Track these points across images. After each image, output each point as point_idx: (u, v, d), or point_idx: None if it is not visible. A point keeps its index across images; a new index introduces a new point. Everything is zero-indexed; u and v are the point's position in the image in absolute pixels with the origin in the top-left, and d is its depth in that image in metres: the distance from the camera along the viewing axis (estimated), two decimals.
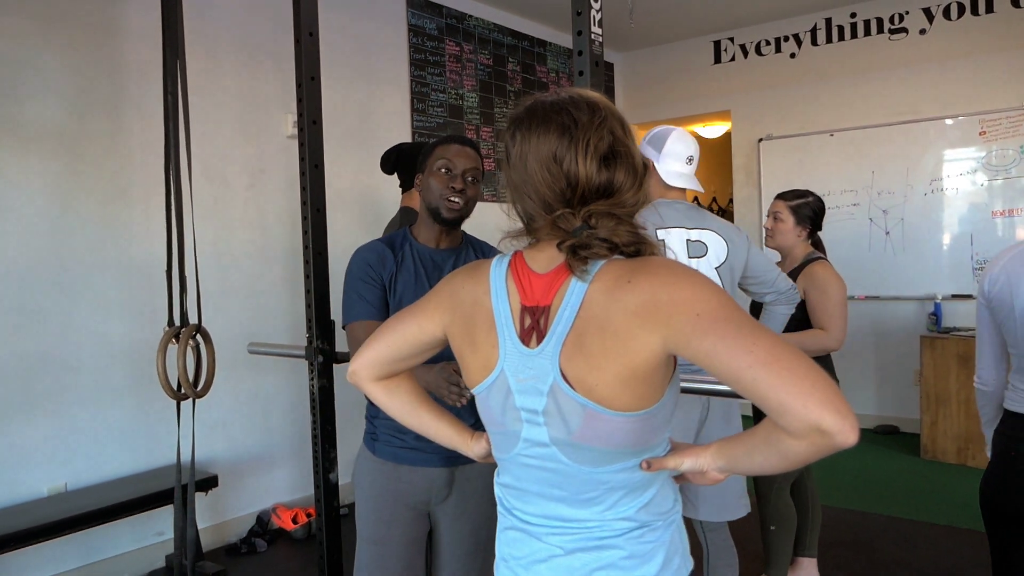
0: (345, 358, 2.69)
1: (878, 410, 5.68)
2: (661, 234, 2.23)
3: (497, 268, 1.17)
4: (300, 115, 2.66)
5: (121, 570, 3.27)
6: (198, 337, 2.43)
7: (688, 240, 2.27)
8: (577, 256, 1.05)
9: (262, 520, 3.75)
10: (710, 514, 2.32)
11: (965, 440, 4.78)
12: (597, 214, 1.06)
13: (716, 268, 2.27)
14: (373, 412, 1.93)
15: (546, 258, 1.12)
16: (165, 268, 2.40)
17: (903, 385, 5.55)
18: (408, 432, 1.78)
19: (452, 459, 1.87)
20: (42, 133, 3.09)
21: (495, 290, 1.15)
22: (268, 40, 3.89)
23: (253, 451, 3.81)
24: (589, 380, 1.03)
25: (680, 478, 1.16)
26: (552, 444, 1.10)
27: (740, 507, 2.35)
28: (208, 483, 3.31)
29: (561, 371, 1.05)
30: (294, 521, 3.73)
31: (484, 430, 1.28)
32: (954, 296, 5.29)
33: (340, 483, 2.60)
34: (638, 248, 1.08)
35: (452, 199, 1.86)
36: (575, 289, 1.06)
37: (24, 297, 3.02)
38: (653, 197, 2.33)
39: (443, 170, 1.86)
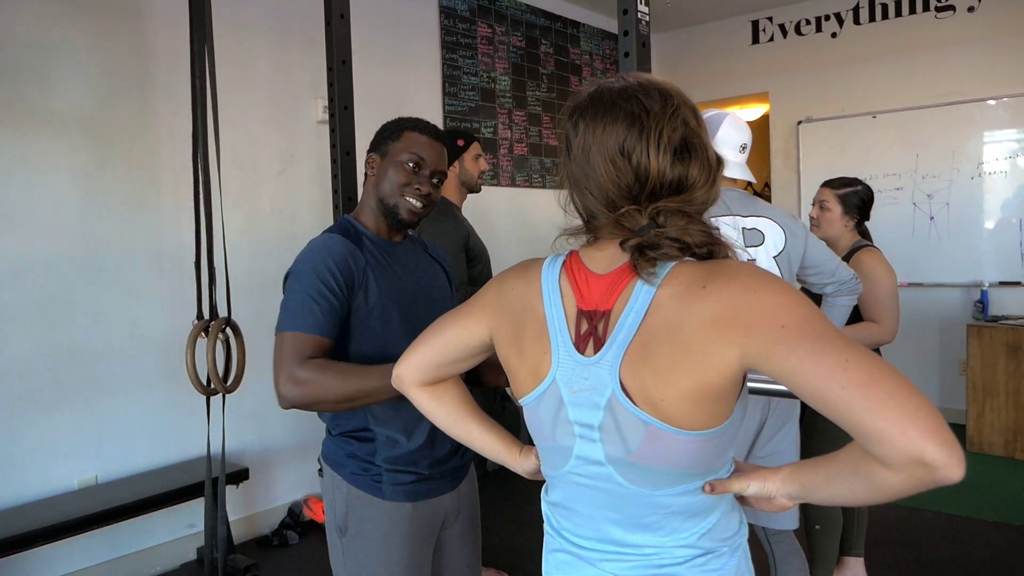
0: None
1: None
2: (714, 223, 2.12)
3: (550, 268, 1.07)
4: (331, 100, 2.59)
5: (152, 563, 3.24)
6: (228, 330, 2.37)
7: (743, 228, 2.16)
8: (644, 256, 0.95)
9: (294, 512, 3.72)
10: (775, 520, 2.21)
11: (1013, 432, 4.63)
12: (666, 212, 0.96)
13: (774, 257, 2.16)
14: (368, 451, 1.62)
15: (607, 258, 1.02)
16: (195, 259, 2.33)
17: (948, 375, 5.38)
18: (420, 462, 1.61)
19: (457, 477, 1.71)
20: (70, 120, 3.04)
21: (547, 292, 1.05)
22: (297, 23, 3.80)
23: (284, 442, 3.77)
24: (654, 394, 0.94)
25: (741, 502, 1.06)
26: (608, 463, 1.01)
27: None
28: (239, 476, 3.27)
29: (621, 383, 0.96)
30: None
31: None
32: (1001, 283, 5.11)
33: None
34: (711, 250, 0.98)
35: (414, 201, 1.65)
36: (641, 293, 0.96)
37: (53, 287, 2.98)
38: None
39: (410, 164, 1.65)
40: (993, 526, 3.54)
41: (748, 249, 2.13)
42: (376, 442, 1.61)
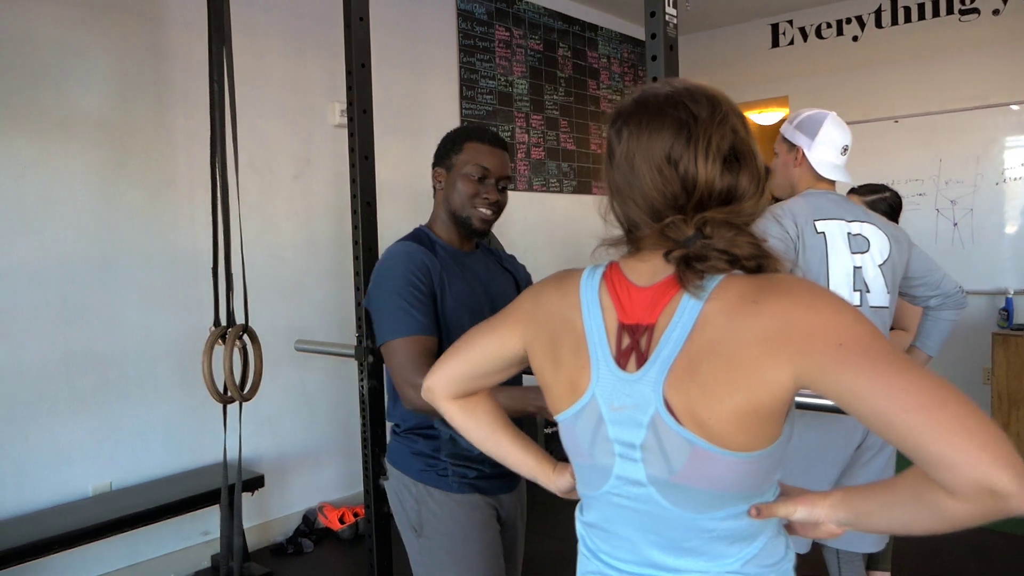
0: None
1: None
2: (820, 226, 2.03)
3: (589, 280, 1.03)
4: (350, 104, 2.55)
5: (166, 570, 3.21)
6: (245, 337, 2.33)
7: (849, 233, 2.06)
8: (691, 269, 0.91)
9: (308, 519, 3.68)
10: (855, 542, 2.13)
11: None
12: (713, 223, 0.92)
13: (879, 266, 2.07)
14: (432, 447, 1.67)
15: (650, 270, 0.97)
16: (212, 265, 2.30)
17: (972, 384, 5.28)
18: (485, 460, 1.61)
19: (516, 478, 1.73)
20: (86, 123, 3.01)
21: (586, 304, 1.01)
22: (313, 26, 3.77)
23: (299, 449, 3.73)
24: (701, 413, 0.89)
25: (788, 528, 1.01)
26: (649, 484, 0.96)
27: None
28: (254, 483, 3.23)
29: (665, 401, 0.91)
30: (341, 521, 3.64)
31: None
32: None
33: None
34: (760, 263, 0.93)
35: (484, 210, 1.69)
36: (687, 307, 0.92)
37: (68, 291, 2.95)
38: (802, 187, 2.15)
39: (477, 176, 1.68)
40: (1021, 540, 3.46)
41: (854, 255, 2.04)
42: (440, 439, 1.66)
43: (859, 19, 5.62)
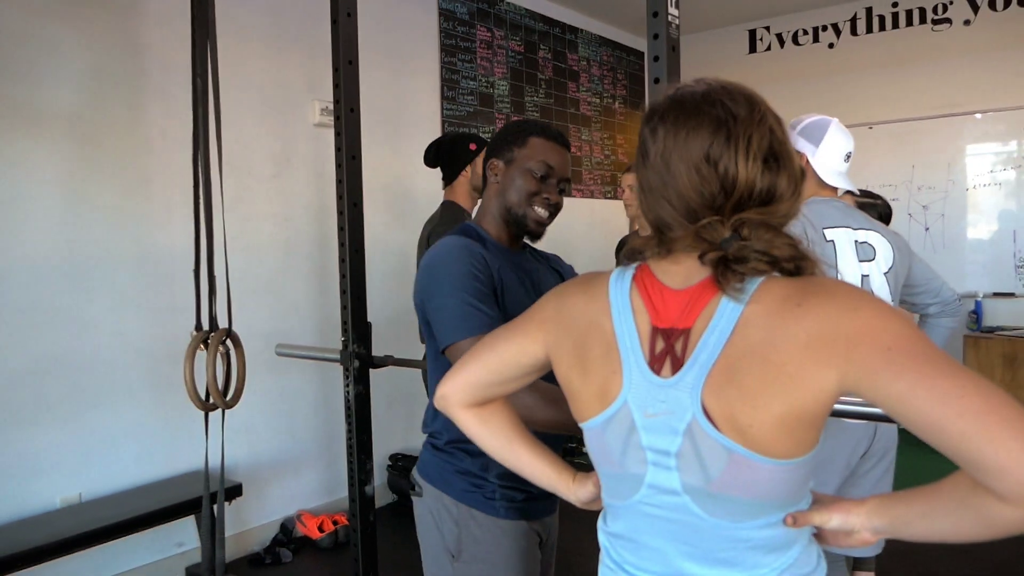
0: (383, 363, 2.51)
1: None
2: (829, 234, 2.01)
3: (618, 283, 0.99)
4: (336, 102, 2.48)
5: None
6: (228, 342, 2.24)
7: (856, 241, 2.05)
8: (731, 271, 0.88)
9: (286, 528, 3.58)
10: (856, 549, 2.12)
11: None
12: (750, 224, 0.89)
13: (884, 273, 2.06)
14: (480, 465, 1.54)
15: (684, 272, 0.94)
16: (193, 267, 2.20)
17: None
18: None
19: (556, 499, 1.62)
20: (57, 118, 2.89)
21: (617, 308, 0.97)
22: (294, 23, 3.69)
23: (277, 456, 3.63)
24: (741, 419, 0.86)
25: (818, 537, 0.99)
26: (684, 492, 0.93)
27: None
28: (232, 492, 3.13)
29: (703, 406, 0.88)
30: (320, 529, 3.55)
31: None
32: (996, 294, 5.13)
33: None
34: (799, 265, 0.90)
35: (541, 211, 1.56)
36: (726, 310, 0.89)
37: (36, 294, 2.83)
38: (806, 195, 2.12)
39: (539, 173, 1.55)
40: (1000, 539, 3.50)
41: (861, 263, 2.02)
42: (487, 456, 1.53)
43: (835, 26, 5.69)
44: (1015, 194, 5.13)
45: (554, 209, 1.58)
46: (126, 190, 3.09)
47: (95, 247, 2.99)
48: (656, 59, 1.86)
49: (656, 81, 1.77)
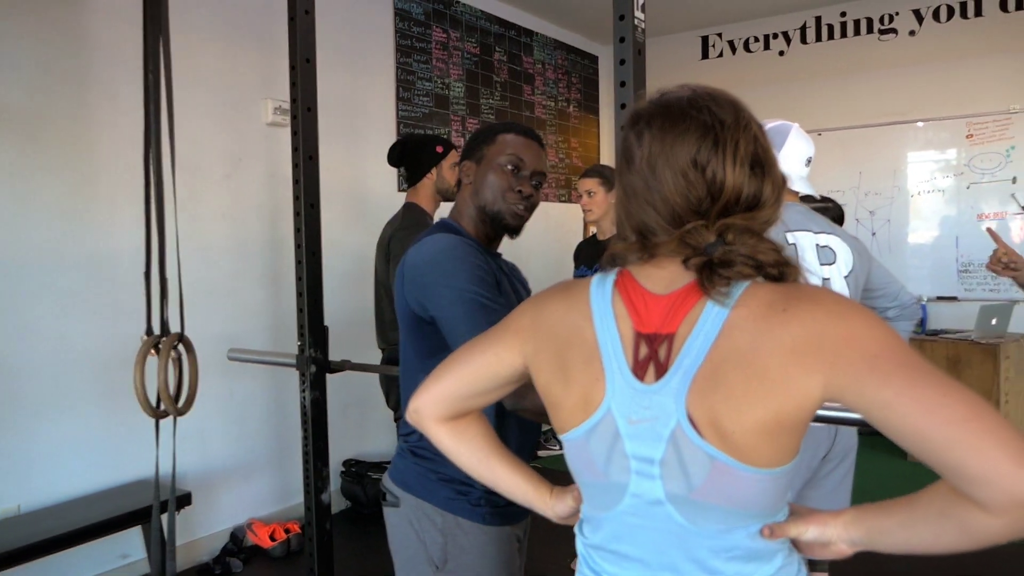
0: (340, 367, 2.46)
1: None
2: (791, 238, 2.03)
3: (599, 288, 0.98)
4: (293, 101, 2.43)
5: None
6: (180, 347, 2.17)
7: (817, 245, 2.07)
8: (717, 275, 0.88)
9: (236, 537, 3.48)
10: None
11: None
12: (735, 229, 0.89)
13: (845, 277, 2.07)
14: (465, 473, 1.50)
15: (667, 277, 0.93)
16: (143, 269, 2.12)
17: None
18: None
19: None
20: None
21: (598, 314, 0.95)
22: (247, 20, 3.60)
23: (228, 463, 3.54)
24: (725, 425, 0.86)
25: (795, 548, 0.99)
26: (668, 501, 0.92)
27: None
28: (181, 501, 3.04)
29: (688, 413, 0.87)
30: (272, 538, 3.47)
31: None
32: (939, 298, 5.27)
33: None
34: (782, 271, 0.91)
35: (518, 205, 1.53)
36: (711, 314, 0.88)
37: None
38: None
39: (510, 167, 1.53)
40: None
41: (822, 267, 2.04)
42: None
43: (785, 35, 5.79)
44: (954, 201, 5.28)
45: (528, 202, 1.55)
46: (70, 188, 2.98)
47: (36, 247, 2.87)
48: (623, 62, 1.85)
49: (622, 84, 1.77)
